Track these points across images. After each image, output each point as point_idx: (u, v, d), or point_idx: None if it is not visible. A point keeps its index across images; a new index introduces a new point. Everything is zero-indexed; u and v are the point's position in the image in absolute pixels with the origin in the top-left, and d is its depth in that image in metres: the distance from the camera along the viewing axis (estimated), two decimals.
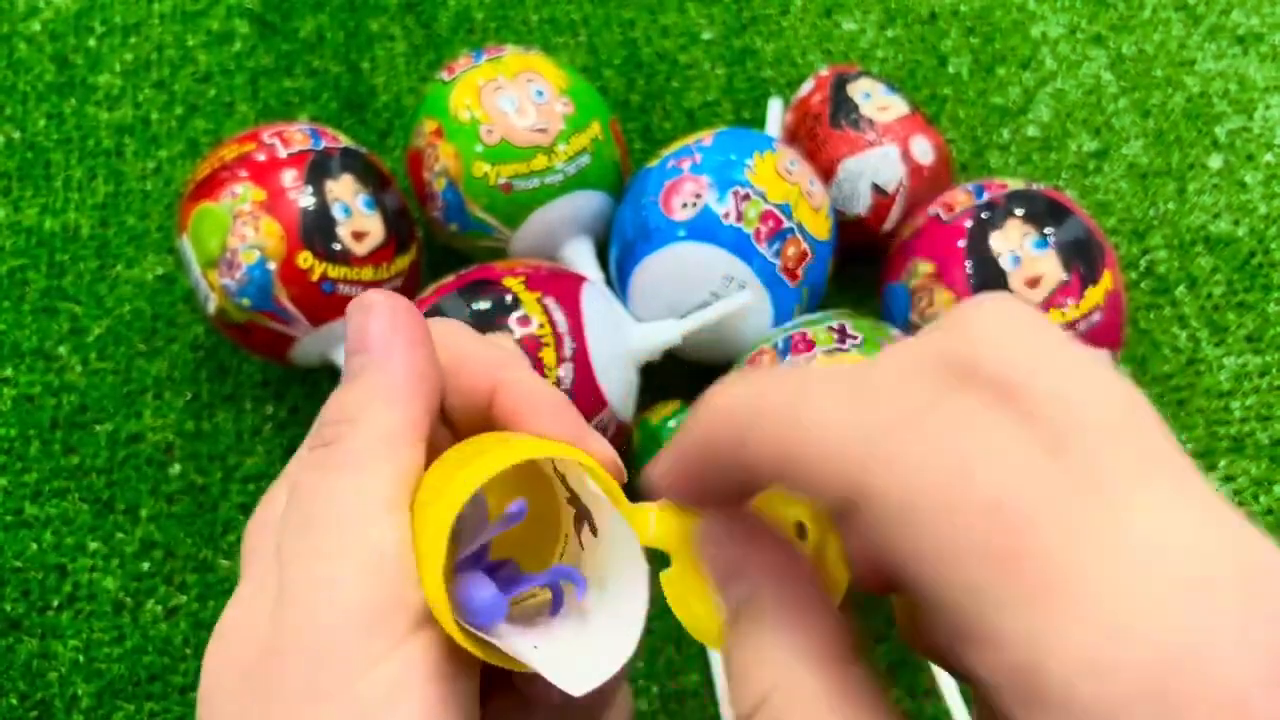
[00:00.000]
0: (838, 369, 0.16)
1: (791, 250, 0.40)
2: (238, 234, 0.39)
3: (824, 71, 0.47)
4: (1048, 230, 0.39)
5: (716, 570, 0.18)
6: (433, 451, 0.20)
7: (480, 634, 0.18)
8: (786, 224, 0.40)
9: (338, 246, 0.39)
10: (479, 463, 0.18)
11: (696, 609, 0.20)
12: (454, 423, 0.22)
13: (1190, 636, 0.13)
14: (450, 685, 0.18)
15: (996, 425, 0.14)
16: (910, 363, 0.16)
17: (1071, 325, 0.38)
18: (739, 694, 0.17)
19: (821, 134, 0.44)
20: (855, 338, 0.37)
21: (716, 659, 0.39)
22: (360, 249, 0.40)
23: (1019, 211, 0.39)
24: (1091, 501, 0.14)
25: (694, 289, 0.40)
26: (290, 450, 0.44)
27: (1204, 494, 0.14)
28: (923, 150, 0.44)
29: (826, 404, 0.16)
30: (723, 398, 0.17)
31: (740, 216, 0.39)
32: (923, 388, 0.15)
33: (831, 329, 0.38)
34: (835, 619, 0.17)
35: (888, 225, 0.44)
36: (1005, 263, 0.38)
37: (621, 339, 0.39)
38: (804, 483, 0.16)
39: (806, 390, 0.16)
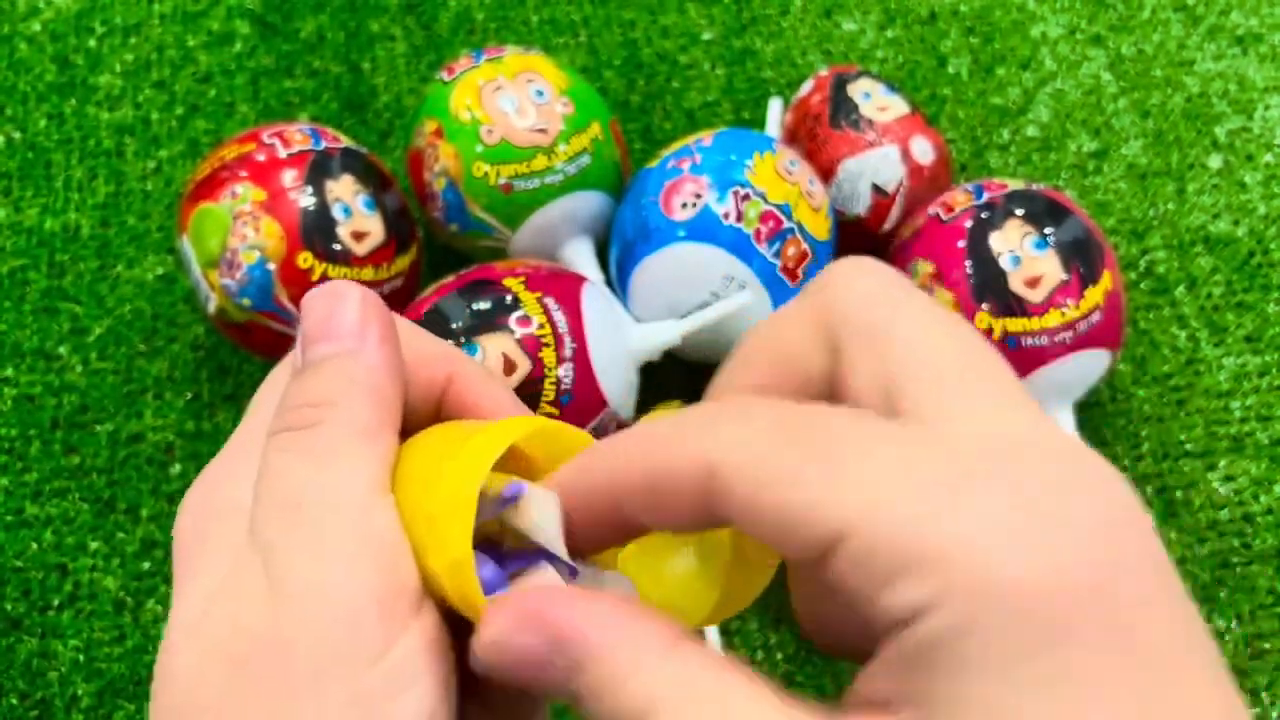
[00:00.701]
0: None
1: (791, 250, 0.40)
2: (238, 234, 0.39)
3: (824, 72, 0.47)
4: (1047, 230, 0.39)
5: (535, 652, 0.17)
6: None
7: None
8: (786, 224, 0.40)
9: (338, 247, 0.39)
10: (484, 435, 0.19)
11: (651, 591, 0.20)
12: (405, 413, 0.22)
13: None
14: (447, 663, 0.18)
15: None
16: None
17: (1071, 325, 0.38)
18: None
19: (821, 134, 0.45)
20: None
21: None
22: (360, 249, 0.40)
23: (1019, 212, 0.39)
24: (903, 418, 0.17)
25: (694, 289, 0.40)
26: None
27: (1015, 409, 0.16)
28: (922, 150, 0.44)
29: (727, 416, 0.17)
30: (618, 441, 0.18)
31: (740, 217, 0.39)
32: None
33: None
34: (656, 614, 0.17)
35: (887, 225, 0.44)
36: (1005, 263, 0.38)
37: (621, 339, 0.39)
38: (723, 496, 0.17)
39: (711, 414, 0.17)
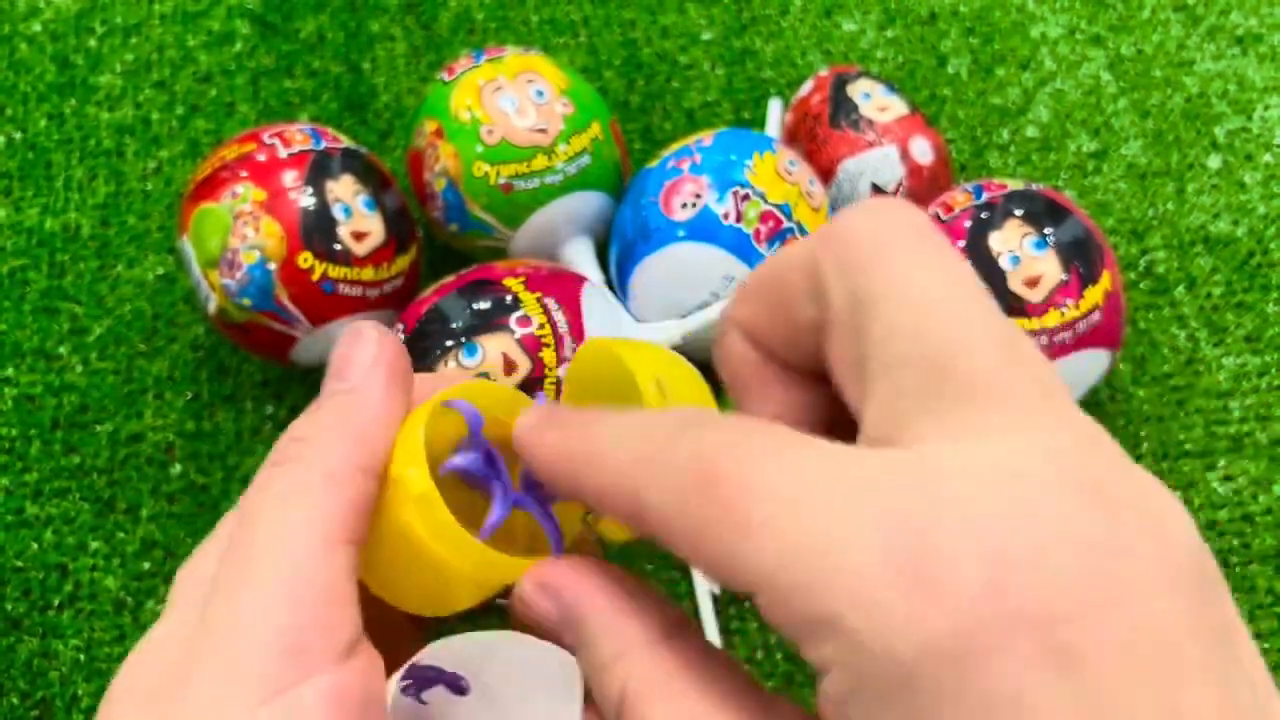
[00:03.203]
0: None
1: None
2: (238, 234, 0.39)
3: (823, 72, 0.47)
4: (1047, 230, 0.39)
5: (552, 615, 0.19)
6: None
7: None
8: (786, 224, 0.40)
9: (338, 246, 0.39)
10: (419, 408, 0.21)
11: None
12: None
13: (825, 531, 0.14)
14: (363, 718, 0.18)
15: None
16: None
17: (1071, 325, 0.38)
18: (602, 702, 0.18)
19: (821, 134, 0.45)
20: None
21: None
22: (361, 249, 0.40)
23: (1018, 212, 0.39)
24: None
25: (694, 289, 0.40)
26: None
27: (982, 431, 0.15)
28: (922, 150, 0.44)
29: None
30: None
31: (740, 217, 0.39)
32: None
33: None
34: (656, 604, 0.18)
35: None
36: (1004, 263, 0.38)
37: (622, 339, 0.39)
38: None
39: None
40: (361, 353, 0.21)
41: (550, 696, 0.19)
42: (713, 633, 0.40)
